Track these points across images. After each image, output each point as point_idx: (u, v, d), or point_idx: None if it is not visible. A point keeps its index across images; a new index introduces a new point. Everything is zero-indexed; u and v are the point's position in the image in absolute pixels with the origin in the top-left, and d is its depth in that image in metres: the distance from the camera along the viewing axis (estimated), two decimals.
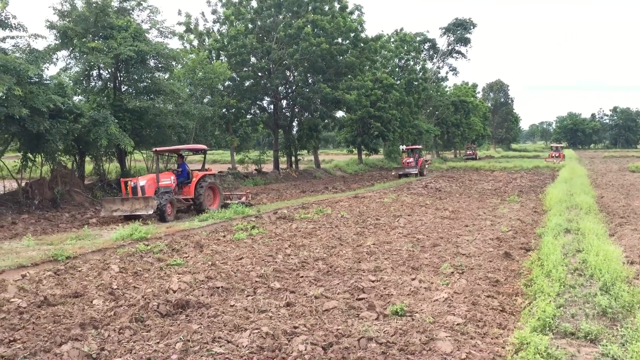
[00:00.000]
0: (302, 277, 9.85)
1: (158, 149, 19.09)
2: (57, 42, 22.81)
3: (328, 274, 10.15)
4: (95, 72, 24.51)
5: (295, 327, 7.00)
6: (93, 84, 25.01)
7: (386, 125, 51.05)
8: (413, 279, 9.49)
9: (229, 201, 20.87)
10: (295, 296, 8.59)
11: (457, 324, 7.14)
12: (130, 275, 10.00)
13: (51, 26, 22.45)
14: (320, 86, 38.67)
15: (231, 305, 8.02)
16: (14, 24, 18.51)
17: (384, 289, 8.97)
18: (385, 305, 8.06)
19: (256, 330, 6.74)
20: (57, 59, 22.92)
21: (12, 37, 19.02)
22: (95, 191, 22.92)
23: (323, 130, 49.42)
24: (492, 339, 6.81)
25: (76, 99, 23.49)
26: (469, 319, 7.41)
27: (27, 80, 18.08)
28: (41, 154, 21.13)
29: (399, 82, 55.83)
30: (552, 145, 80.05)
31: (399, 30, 61.37)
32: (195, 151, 21.90)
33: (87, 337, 6.64)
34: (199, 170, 20.11)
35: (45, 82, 19.95)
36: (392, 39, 59.26)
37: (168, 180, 18.39)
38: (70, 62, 23.99)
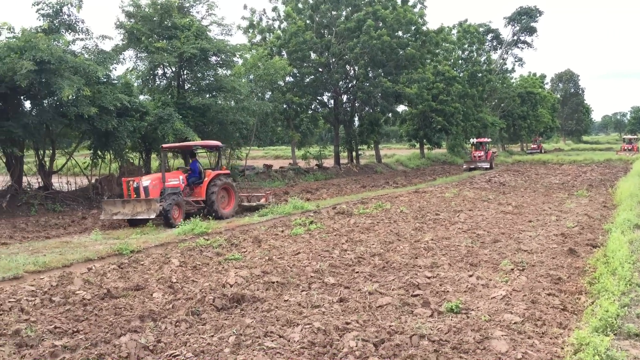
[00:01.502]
0: (357, 272, 9.81)
1: (165, 145, 18.05)
2: (124, 42, 23.64)
3: (384, 269, 10.07)
4: (160, 71, 25.23)
5: (347, 323, 6.97)
6: (158, 82, 25.76)
7: (449, 119, 49.98)
8: (470, 276, 9.28)
9: (246, 203, 19.32)
10: (349, 292, 8.57)
11: (514, 323, 6.94)
12: (190, 269, 10.26)
13: (120, 25, 23.31)
14: (380, 80, 38.32)
15: (285, 300, 8.09)
16: (83, 28, 19.38)
17: (440, 285, 8.82)
18: (440, 302, 7.92)
19: (308, 326, 6.77)
20: (124, 59, 23.75)
21: (81, 39, 19.88)
22: None
23: (384, 124, 48.98)
24: (550, 339, 6.58)
25: (142, 97, 24.24)
26: (527, 317, 7.18)
27: (96, 81, 18.80)
28: (110, 151, 22.01)
29: (462, 74, 54.61)
30: (624, 137, 76.14)
31: (462, 22, 60.04)
32: (210, 148, 19.82)
33: (145, 329, 6.86)
34: (212, 169, 18.48)
35: (113, 81, 20.76)
36: (455, 30, 58.05)
37: (176, 180, 16.67)
38: (137, 62, 24.85)
